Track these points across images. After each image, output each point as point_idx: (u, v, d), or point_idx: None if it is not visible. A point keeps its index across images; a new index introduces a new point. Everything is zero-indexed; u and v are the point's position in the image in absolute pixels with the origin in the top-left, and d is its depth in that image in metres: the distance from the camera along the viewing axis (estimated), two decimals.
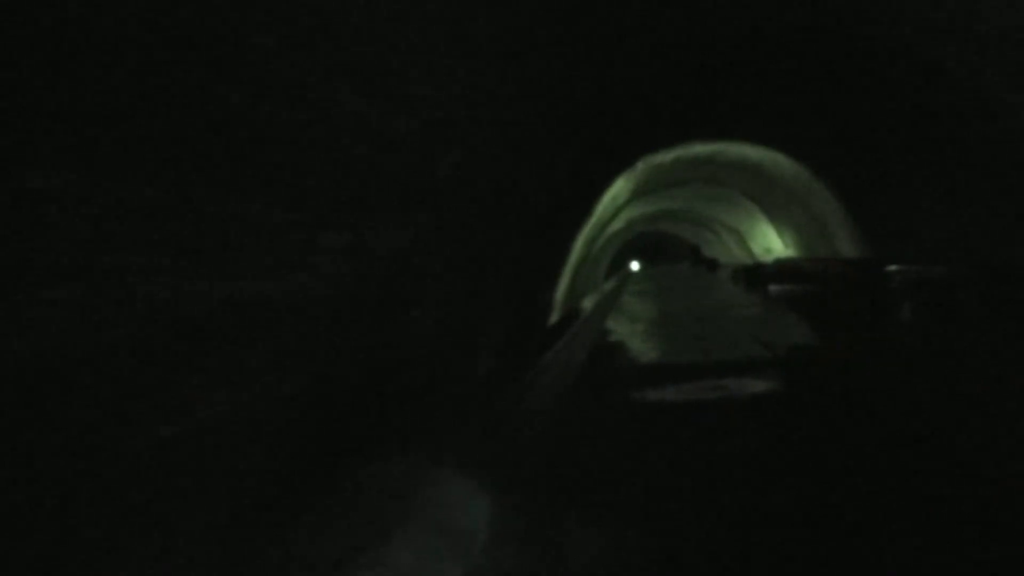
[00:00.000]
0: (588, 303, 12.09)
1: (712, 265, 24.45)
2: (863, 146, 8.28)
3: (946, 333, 6.11)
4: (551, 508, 3.54)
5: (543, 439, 4.89)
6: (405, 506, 2.91)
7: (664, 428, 5.00)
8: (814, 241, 11.94)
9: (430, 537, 2.86)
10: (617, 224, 13.20)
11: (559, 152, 5.76)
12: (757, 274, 15.56)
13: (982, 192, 6.65)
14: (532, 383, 5.01)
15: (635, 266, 22.33)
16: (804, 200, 11.16)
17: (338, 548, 2.47)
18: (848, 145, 8.49)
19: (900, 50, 6.12)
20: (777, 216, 12.55)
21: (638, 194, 11.21)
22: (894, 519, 3.19)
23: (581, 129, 6.03)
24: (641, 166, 9.42)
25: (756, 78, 6.72)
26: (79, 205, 1.54)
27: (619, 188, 9.41)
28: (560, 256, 7.90)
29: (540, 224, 6.17)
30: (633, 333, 9.87)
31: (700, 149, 10.23)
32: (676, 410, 5.52)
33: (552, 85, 4.75)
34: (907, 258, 7.64)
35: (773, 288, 12.54)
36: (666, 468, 4.12)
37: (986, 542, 2.90)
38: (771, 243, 13.93)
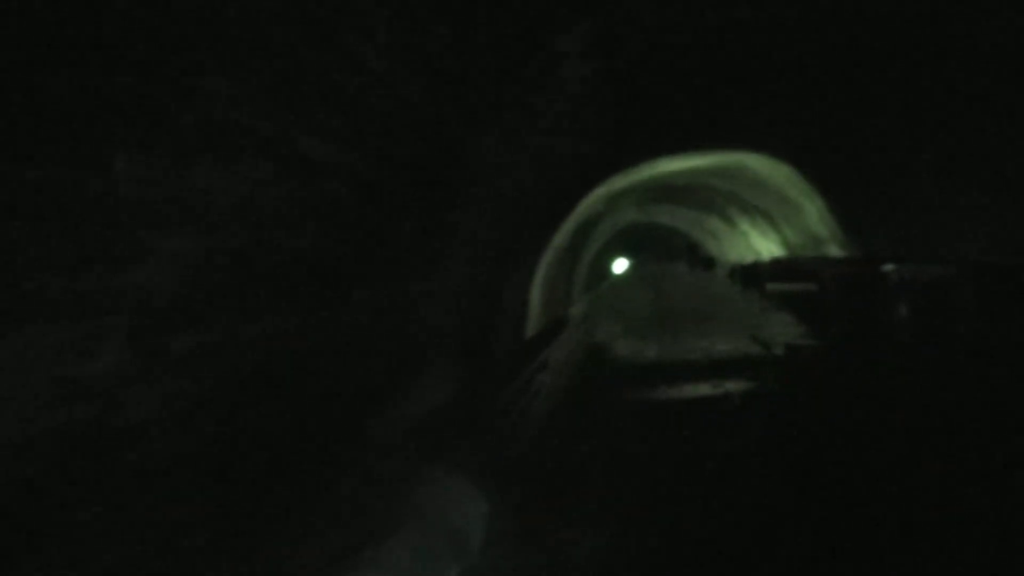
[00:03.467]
0: (579, 305, 12.05)
1: (709, 264, 24.36)
2: (855, 146, 8.20)
3: (943, 332, 6.12)
4: (549, 508, 3.52)
5: (541, 439, 4.86)
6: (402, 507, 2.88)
7: (662, 427, 4.99)
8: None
9: (427, 537, 2.83)
10: (605, 215, 12.47)
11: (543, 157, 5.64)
12: (754, 273, 15.55)
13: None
14: (527, 386, 4.99)
15: (623, 266, 21.15)
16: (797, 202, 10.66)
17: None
18: (839, 146, 8.35)
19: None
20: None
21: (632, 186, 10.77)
22: (893, 519, 3.18)
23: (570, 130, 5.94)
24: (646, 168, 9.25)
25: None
26: None
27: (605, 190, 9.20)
28: (535, 259, 7.79)
29: (511, 227, 6.03)
30: (629, 333, 9.85)
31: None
32: (674, 409, 5.51)
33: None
34: (903, 257, 7.64)
35: (770, 287, 12.52)
36: (664, 467, 4.10)
37: (988, 540, 2.89)
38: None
